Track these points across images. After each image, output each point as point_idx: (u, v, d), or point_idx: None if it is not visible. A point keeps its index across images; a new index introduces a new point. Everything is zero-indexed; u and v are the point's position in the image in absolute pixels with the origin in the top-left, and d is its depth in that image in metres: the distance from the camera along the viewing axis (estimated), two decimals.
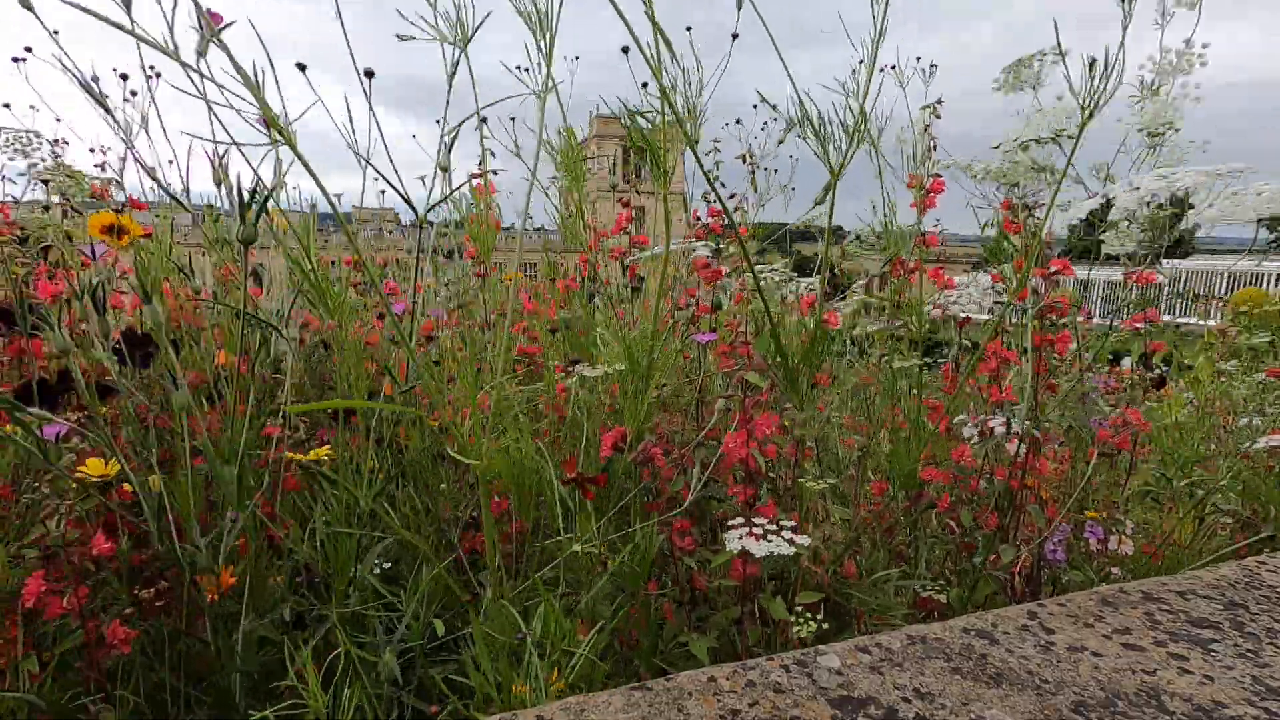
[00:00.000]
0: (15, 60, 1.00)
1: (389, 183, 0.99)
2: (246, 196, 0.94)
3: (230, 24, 0.72)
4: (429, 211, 1.09)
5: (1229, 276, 9.87)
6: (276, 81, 0.79)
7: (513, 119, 1.30)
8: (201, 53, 0.72)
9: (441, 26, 0.91)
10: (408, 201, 1.00)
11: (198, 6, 0.71)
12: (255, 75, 0.72)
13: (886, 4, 1.06)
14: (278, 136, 0.74)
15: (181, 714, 1.09)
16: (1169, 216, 1.36)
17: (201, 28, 0.71)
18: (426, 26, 0.89)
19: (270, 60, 0.79)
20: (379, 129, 1.15)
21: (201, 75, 0.76)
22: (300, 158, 0.81)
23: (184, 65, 0.73)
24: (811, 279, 1.79)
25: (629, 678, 1.23)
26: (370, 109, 1.02)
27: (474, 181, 1.60)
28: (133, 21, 0.71)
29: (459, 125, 1.06)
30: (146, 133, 1.18)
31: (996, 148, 1.39)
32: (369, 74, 1.00)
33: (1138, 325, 1.62)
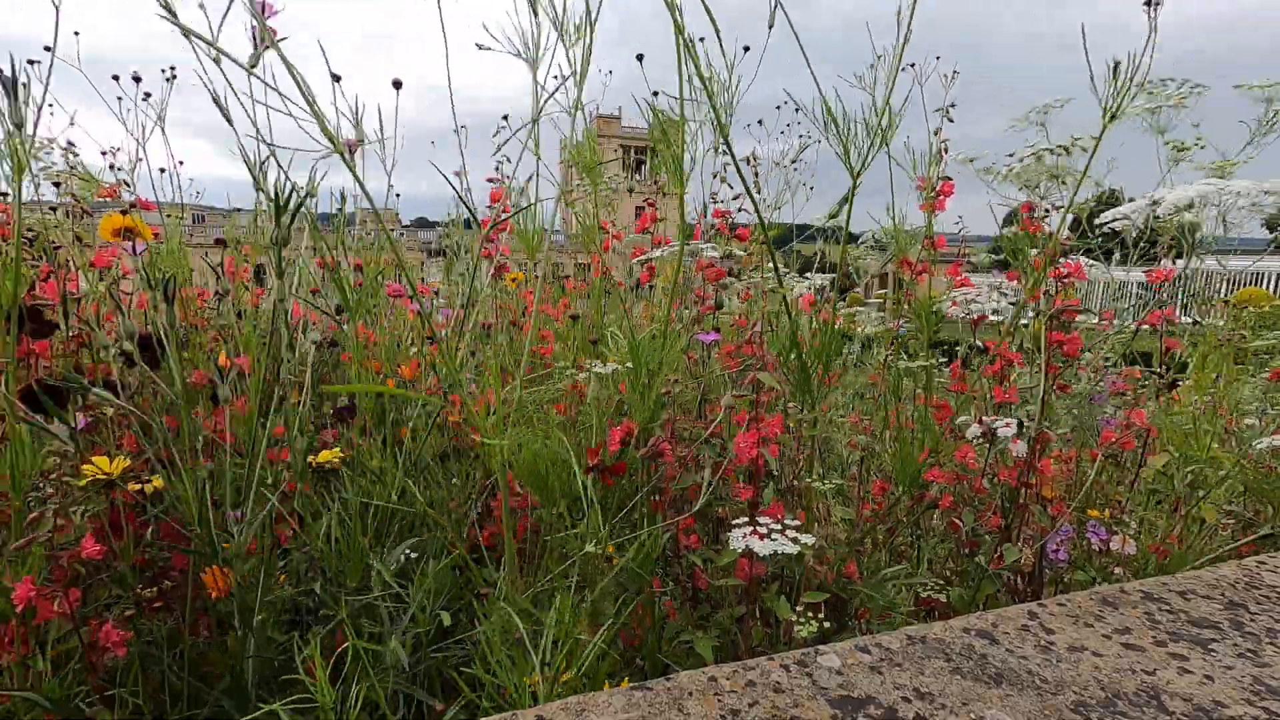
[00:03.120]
0: (31, 63, 1.01)
1: (456, 191, 1.02)
2: (283, 201, 0.96)
3: (284, 39, 0.74)
4: (493, 227, 1.11)
5: (1229, 277, 9.80)
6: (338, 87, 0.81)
7: (534, 121, 1.31)
8: (253, 65, 0.73)
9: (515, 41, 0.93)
10: (468, 207, 1.03)
11: (256, 15, 0.72)
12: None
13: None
14: (329, 146, 0.76)
15: (186, 710, 1.09)
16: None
17: (255, 41, 0.72)
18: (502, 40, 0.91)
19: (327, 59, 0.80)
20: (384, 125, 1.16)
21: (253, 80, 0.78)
22: (353, 170, 0.82)
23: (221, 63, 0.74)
24: (813, 279, 1.79)
25: (632, 674, 1.24)
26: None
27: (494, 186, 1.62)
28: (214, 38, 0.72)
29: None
30: (163, 132, 1.18)
31: (1011, 155, 1.40)
32: (397, 85, 1.02)
33: (1154, 323, 1.62)
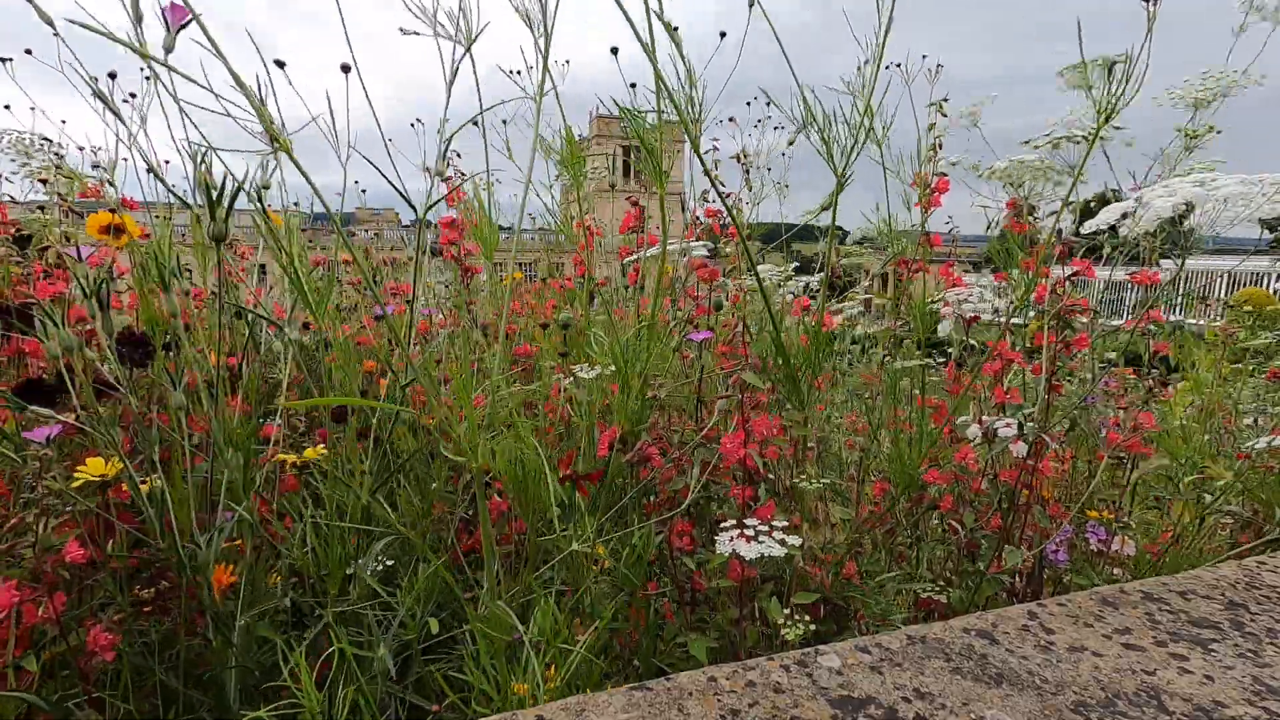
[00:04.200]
0: (3, 60, 1.00)
1: (391, 183, 1.00)
2: (216, 194, 0.93)
3: (191, 19, 0.71)
4: (428, 210, 1.08)
5: (1229, 276, 9.84)
6: (271, 82, 0.79)
7: (505, 122, 1.29)
8: (169, 48, 0.71)
9: (445, 22, 0.90)
10: (406, 199, 1.00)
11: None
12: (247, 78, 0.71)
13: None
14: (272, 144, 0.73)
15: (179, 715, 1.08)
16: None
17: (167, 23, 0.70)
18: (429, 21, 0.88)
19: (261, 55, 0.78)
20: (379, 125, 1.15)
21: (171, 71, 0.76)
22: (299, 167, 0.80)
23: (162, 66, 0.73)
24: (810, 278, 1.79)
25: (628, 677, 1.23)
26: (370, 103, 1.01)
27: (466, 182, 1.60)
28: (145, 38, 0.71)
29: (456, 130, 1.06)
30: (146, 133, 1.17)
31: (1026, 143, 1.39)
32: (345, 69, 1.00)
33: (1146, 325, 1.62)
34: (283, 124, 0.74)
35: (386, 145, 1.04)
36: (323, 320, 1.04)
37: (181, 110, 0.88)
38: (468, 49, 0.92)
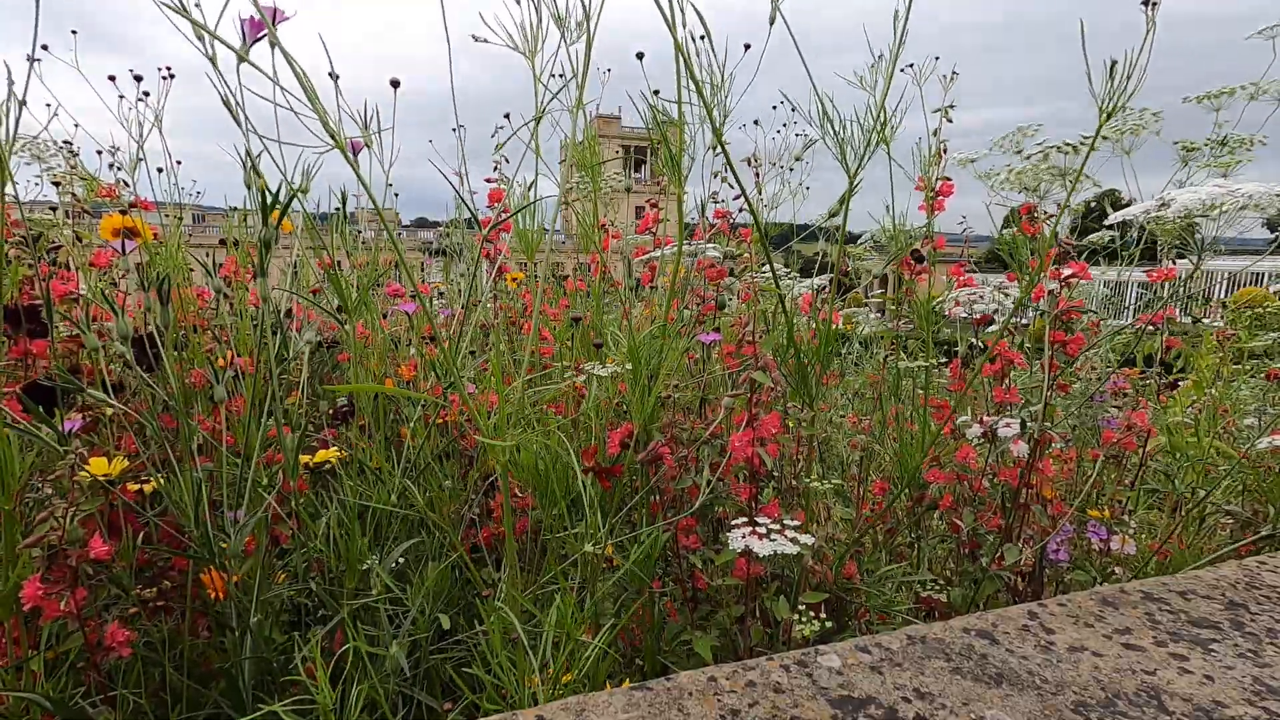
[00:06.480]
0: (32, 60, 1.00)
1: (456, 191, 1.02)
2: (271, 199, 0.93)
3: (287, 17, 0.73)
4: (503, 220, 1.11)
5: (1229, 278, 9.80)
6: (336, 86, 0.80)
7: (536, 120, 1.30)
8: (243, 56, 0.72)
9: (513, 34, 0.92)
10: (469, 209, 1.02)
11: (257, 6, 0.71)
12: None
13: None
14: (330, 142, 0.75)
15: (185, 712, 1.09)
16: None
17: (243, 32, 0.72)
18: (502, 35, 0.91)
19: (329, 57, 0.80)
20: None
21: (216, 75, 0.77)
22: (361, 179, 0.82)
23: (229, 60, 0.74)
24: (815, 279, 1.79)
25: (632, 675, 1.24)
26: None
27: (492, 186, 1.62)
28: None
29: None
30: (160, 133, 1.18)
31: (1019, 151, 1.41)
32: (395, 84, 1.01)
33: (1155, 323, 1.62)
34: (339, 123, 0.75)
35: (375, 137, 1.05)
36: (356, 319, 1.05)
37: (242, 113, 0.88)
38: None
